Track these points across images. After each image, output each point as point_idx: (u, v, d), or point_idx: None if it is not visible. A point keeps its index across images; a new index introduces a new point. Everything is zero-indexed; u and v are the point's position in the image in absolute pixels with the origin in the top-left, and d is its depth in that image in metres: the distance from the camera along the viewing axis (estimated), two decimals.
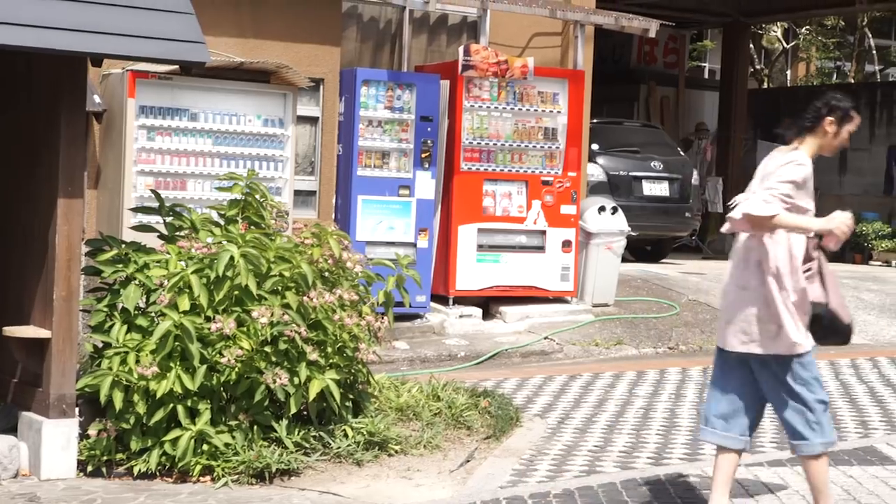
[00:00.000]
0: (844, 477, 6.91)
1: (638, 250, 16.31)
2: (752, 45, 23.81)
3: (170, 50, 6.59)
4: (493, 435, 7.85)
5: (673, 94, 22.78)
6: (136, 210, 8.10)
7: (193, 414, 6.83)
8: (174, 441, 6.73)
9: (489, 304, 12.24)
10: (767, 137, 21.70)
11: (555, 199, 12.31)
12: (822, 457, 5.75)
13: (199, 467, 6.70)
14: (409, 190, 11.56)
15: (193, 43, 6.62)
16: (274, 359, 6.96)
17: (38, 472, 6.67)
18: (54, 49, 6.27)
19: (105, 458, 6.78)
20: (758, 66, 25.64)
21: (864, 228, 18.86)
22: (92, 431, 6.76)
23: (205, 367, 6.81)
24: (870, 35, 26.60)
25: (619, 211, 13.06)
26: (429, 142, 11.62)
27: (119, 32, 6.41)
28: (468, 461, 7.30)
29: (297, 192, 10.65)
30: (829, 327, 5.72)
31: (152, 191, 8.11)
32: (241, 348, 6.82)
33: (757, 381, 5.82)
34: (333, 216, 11.24)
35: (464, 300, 12.04)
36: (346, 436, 7.20)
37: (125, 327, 6.97)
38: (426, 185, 11.66)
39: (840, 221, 5.58)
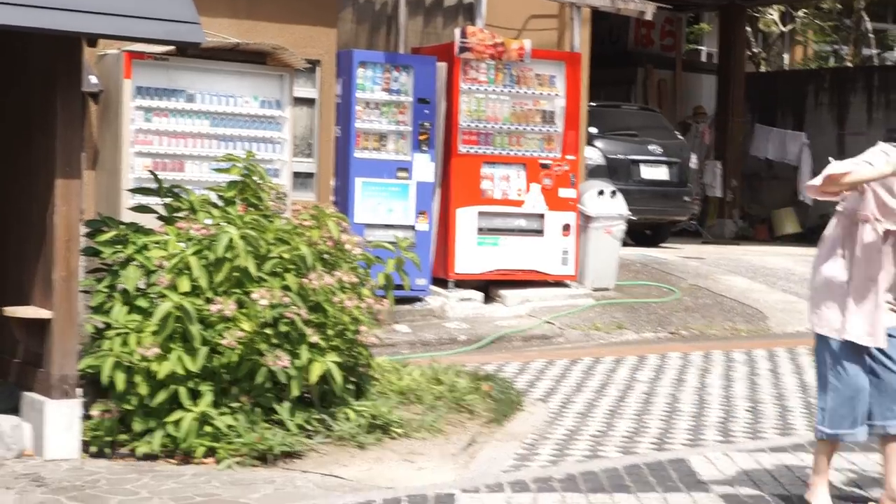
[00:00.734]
0: None
1: (638, 235, 16.24)
2: (748, 29, 23.70)
3: (165, 30, 6.56)
4: (495, 419, 7.80)
5: (670, 78, 22.65)
6: (134, 191, 8.04)
7: (195, 396, 6.79)
8: (177, 423, 6.69)
9: (489, 287, 12.17)
10: (765, 121, 21.62)
11: (553, 183, 12.23)
12: None
13: (202, 449, 6.66)
14: (408, 172, 11.47)
15: (189, 24, 6.59)
16: (275, 341, 6.92)
17: (41, 453, 6.65)
18: (49, 29, 6.24)
19: (108, 438, 6.75)
20: (755, 50, 25.52)
21: None
22: (95, 412, 6.73)
23: (206, 348, 6.77)
24: (867, 18, 26.49)
25: (619, 194, 12.98)
26: (426, 124, 11.53)
27: (114, 13, 6.39)
28: (471, 445, 7.25)
29: (296, 175, 10.56)
30: None
31: (151, 172, 8.04)
32: (242, 330, 6.78)
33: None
34: (332, 198, 11.16)
35: (464, 284, 11.97)
36: (348, 419, 7.16)
37: (125, 308, 6.94)
38: (425, 167, 11.58)
39: None
